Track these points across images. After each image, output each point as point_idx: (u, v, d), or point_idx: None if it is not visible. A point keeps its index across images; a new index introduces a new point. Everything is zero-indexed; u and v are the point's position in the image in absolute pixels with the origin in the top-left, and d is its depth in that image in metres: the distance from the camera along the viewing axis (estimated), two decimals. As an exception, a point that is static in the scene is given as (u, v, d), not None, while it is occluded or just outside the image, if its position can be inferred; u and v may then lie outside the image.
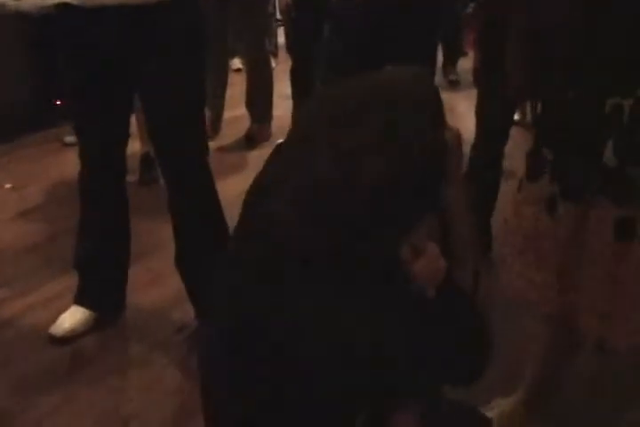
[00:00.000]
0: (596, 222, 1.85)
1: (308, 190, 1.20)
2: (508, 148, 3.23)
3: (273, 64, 5.35)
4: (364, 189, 1.17)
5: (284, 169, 1.27)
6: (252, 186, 1.39)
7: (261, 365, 1.29)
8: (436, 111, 1.30)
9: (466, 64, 6.15)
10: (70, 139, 4.84)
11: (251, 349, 1.29)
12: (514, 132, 3.32)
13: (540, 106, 2.01)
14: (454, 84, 6.28)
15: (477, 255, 1.40)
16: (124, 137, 2.76)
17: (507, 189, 3.42)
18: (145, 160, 4.24)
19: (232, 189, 3.23)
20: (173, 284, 2.93)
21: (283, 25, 5.84)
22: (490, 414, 2.04)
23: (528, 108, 4.57)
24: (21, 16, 4.39)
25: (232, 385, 1.37)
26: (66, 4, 2.43)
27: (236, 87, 5.42)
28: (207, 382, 1.47)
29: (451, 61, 6.49)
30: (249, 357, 1.30)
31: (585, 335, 2.05)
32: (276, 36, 7.27)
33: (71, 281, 2.96)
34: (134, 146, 4.02)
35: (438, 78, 4.93)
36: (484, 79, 3.12)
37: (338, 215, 1.19)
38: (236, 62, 6.56)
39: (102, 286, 2.90)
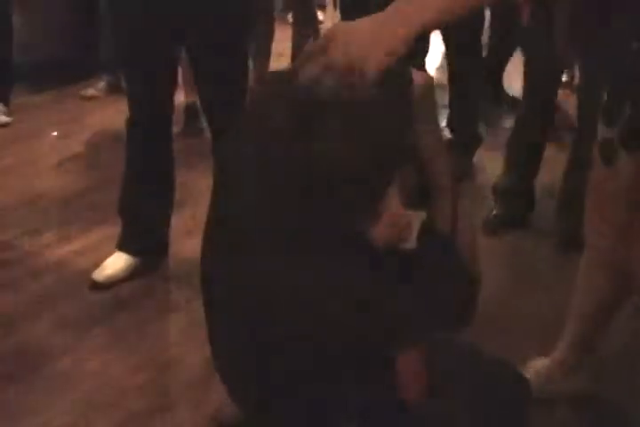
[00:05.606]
0: None
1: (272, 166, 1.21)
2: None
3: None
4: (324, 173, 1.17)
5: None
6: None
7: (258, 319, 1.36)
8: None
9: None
10: (91, 91, 4.86)
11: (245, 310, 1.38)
12: (561, 94, 3.28)
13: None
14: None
15: (455, 184, 1.40)
16: (172, 84, 2.78)
17: (551, 150, 3.41)
18: (189, 111, 4.23)
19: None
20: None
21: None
22: (527, 373, 2.04)
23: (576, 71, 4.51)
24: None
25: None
26: None
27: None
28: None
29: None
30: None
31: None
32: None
33: (115, 228, 2.99)
34: (179, 97, 4.02)
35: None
36: (533, 36, 3.08)
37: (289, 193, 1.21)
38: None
39: (145, 232, 2.92)
